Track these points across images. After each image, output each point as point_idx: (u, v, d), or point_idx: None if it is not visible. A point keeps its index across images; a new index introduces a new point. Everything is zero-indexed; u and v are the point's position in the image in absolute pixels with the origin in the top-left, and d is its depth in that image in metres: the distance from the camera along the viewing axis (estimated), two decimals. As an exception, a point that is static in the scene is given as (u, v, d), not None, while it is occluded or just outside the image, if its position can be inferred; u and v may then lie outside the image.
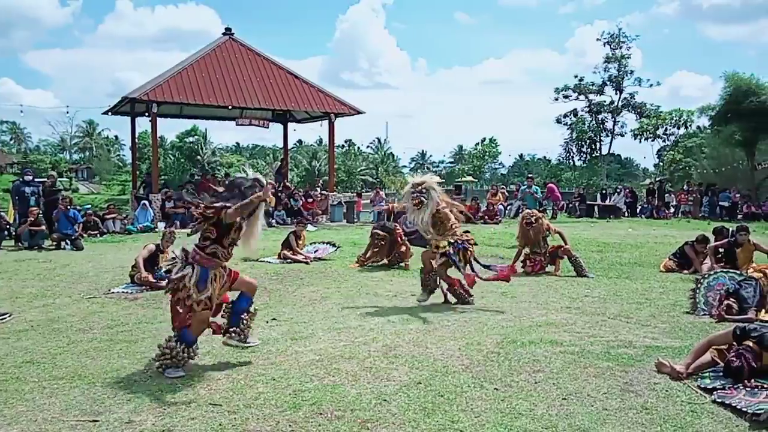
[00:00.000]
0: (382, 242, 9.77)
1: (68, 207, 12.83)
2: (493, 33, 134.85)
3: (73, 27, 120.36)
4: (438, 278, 6.67)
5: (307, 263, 9.79)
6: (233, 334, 4.48)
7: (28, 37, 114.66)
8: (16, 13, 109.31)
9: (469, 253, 6.54)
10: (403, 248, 9.76)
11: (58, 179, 22.12)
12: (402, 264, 9.65)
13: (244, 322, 4.51)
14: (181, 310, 4.26)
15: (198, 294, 4.17)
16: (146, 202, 15.93)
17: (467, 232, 6.87)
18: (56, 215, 12.44)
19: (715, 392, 3.82)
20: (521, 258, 9.11)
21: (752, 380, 3.89)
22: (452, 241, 6.45)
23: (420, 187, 6.35)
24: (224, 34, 19.68)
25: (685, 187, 24.69)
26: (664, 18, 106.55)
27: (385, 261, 9.80)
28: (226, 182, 4.63)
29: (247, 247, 4.50)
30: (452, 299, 6.69)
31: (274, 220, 16.87)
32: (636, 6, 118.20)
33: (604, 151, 42.41)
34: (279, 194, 18.55)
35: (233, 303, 4.58)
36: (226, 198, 4.27)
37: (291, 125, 22.44)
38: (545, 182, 21.64)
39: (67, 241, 11.96)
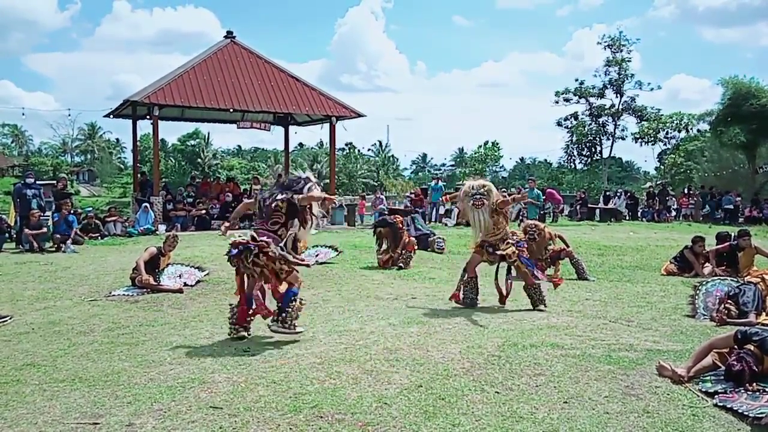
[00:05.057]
0: (386, 237, 10.00)
1: (70, 212, 13.05)
2: (490, 36, 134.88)
3: (71, 30, 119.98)
4: (497, 281, 6.83)
5: (307, 266, 9.75)
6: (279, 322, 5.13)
7: (26, 40, 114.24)
8: (13, 16, 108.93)
9: (525, 252, 6.80)
10: (408, 239, 10.12)
11: (60, 182, 22.19)
12: (401, 265, 9.73)
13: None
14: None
15: None
16: (147, 205, 15.93)
17: (513, 232, 6.99)
18: (58, 220, 12.63)
19: (716, 396, 3.81)
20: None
21: (753, 384, 3.89)
22: (513, 242, 6.66)
23: (483, 189, 6.64)
24: (226, 37, 19.71)
25: (686, 190, 24.69)
26: (661, 21, 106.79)
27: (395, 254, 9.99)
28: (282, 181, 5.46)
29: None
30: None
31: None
32: (632, 10, 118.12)
33: (605, 155, 42.31)
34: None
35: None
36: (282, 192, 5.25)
37: (292, 128, 22.46)
38: (544, 187, 21.60)
39: (67, 243, 12.03)
